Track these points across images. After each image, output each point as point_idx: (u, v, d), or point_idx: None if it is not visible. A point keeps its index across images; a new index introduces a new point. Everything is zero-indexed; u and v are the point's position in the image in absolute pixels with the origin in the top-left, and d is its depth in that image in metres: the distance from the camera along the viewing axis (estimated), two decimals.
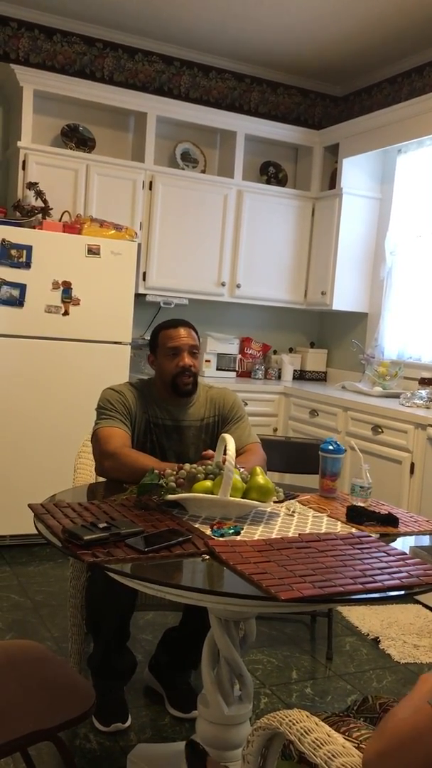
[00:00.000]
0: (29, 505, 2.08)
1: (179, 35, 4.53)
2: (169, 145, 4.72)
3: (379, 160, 4.75)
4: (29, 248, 3.72)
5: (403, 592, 1.53)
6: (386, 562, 1.64)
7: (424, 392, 3.87)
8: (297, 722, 1.22)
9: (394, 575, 1.56)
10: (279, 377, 5.05)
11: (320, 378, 5.21)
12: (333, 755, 1.15)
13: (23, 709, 1.58)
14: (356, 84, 5.07)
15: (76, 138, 4.45)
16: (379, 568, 1.59)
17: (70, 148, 4.37)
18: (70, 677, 1.74)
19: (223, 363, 4.88)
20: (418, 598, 3.45)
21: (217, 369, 4.84)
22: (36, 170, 4.12)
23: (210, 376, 4.75)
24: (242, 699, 1.86)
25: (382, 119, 4.36)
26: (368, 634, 3.12)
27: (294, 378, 5.09)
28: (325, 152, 4.97)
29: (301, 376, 5.17)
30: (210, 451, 2.13)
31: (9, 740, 1.48)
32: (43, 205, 3.98)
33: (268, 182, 4.99)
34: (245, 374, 5.04)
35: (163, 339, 2.38)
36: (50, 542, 1.65)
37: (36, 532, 1.72)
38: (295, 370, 5.12)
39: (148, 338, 2.51)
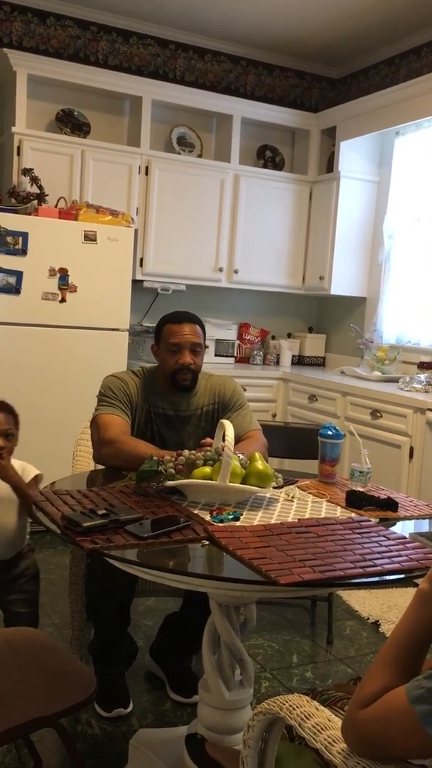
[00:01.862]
0: (25, 495, 2.08)
1: (174, 17, 4.48)
2: (164, 130, 4.68)
3: (377, 143, 4.71)
4: (25, 235, 3.69)
5: (402, 576, 1.53)
6: (386, 546, 1.64)
7: (423, 376, 3.86)
8: (297, 707, 1.22)
9: (394, 559, 1.56)
10: (277, 363, 5.04)
11: (319, 363, 5.20)
12: (334, 740, 1.15)
13: (25, 695, 1.58)
14: (353, 66, 5.02)
15: (71, 123, 4.40)
16: (379, 552, 1.59)
17: (65, 134, 4.34)
18: (71, 664, 1.74)
19: (222, 349, 4.87)
20: (418, 581, 3.45)
21: (216, 355, 4.83)
22: (31, 156, 4.08)
23: (208, 362, 4.70)
24: (243, 683, 1.86)
25: (380, 101, 4.32)
26: (368, 618, 3.14)
27: (292, 363, 5.08)
28: (322, 135, 4.93)
29: (299, 361, 5.16)
30: (208, 439, 2.12)
31: (11, 727, 1.49)
32: (38, 191, 3.95)
33: (264, 166, 4.96)
34: (243, 360, 5.03)
35: (167, 333, 2.36)
36: (49, 529, 1.65)
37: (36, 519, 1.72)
38: (293, 356, 5.10)
39: (147, 325, 2.49)
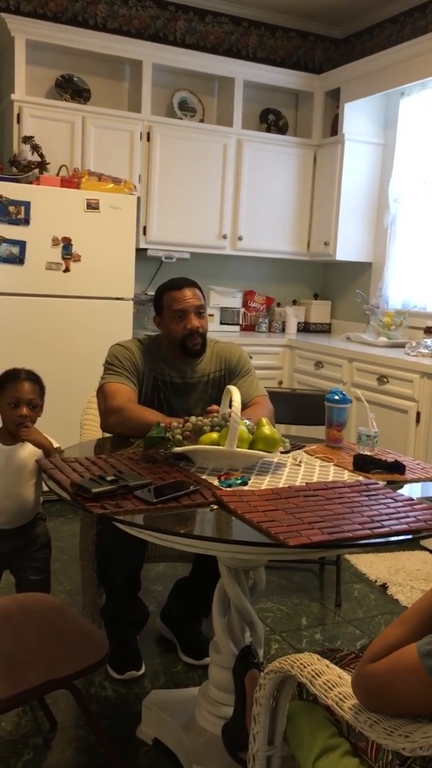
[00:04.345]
0: (37, 461, 2.10)
1: None
2: (166, 94, 4.60)
3: (382, 104, 4.63)
4: (27, 204, 3.66)
5: (410, 536, 1.54)
6: (393, 508, 1.65)
7: (429, 341, 3.84)
8: (308, 665, 1.24)
9: (402, 520, 1.56)
10: (283, 330, 5.02)
11: (325, 330, 5.18)
12: (344, 696, 1.17)
13: (39, 659, 1.61)
14: (357, 25, 4.91)
15: (70, 89, 4.34)
16: (387, 514, 1.59)
17: (65, 100, 4.27)
18: (84, 627, 1.77)
19: (227, 317, 4.85)
20: (425, 544, 3.48)
21: (221, 323, 4.81)
22: (31, 123, 4.03)
23: (213, 330, 4.69)
24: (253, 645, 1.89)
25: (384, 61, 4.23)
26: (376, 581, 3.17)
27: (298, 330, 5.06)
28: (326, 97, 4.85)
29: (305, 328, 5.13)
30: (215, 406, 2.12)
31: (26, 689, 1.52)
32: (39, 159, 3.90)
33: (268, 130, 4.88)
34: (249, 328, 5.01)
35: (168, 301, 2.34)
36: (59, 496, 1.66)
37: (46, 489, 1.73)
38: (299, 323, 5.08)
39: (151, 294, 2.48)
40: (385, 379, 3.74)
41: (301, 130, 4.99)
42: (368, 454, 2.07)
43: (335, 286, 5.23)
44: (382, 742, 1.07)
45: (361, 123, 4.62)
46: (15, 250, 3.66)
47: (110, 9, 4.47)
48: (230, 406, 1.87)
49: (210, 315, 4.73)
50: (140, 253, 4.33)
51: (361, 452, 2.09)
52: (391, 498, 1.72)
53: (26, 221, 3.67)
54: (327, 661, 1.25)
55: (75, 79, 4.36)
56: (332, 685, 1.19)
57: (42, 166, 3.89)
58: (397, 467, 1.97)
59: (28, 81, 4.15)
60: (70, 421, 3.07)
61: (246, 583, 1.86)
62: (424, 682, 1.00)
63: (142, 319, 4.39)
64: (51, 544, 2.30)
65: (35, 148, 3.91)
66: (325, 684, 1.20)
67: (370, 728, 1.09)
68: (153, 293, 2.50)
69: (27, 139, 3.92)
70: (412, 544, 3.49)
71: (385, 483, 1.87)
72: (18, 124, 4.02)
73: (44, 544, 2.27)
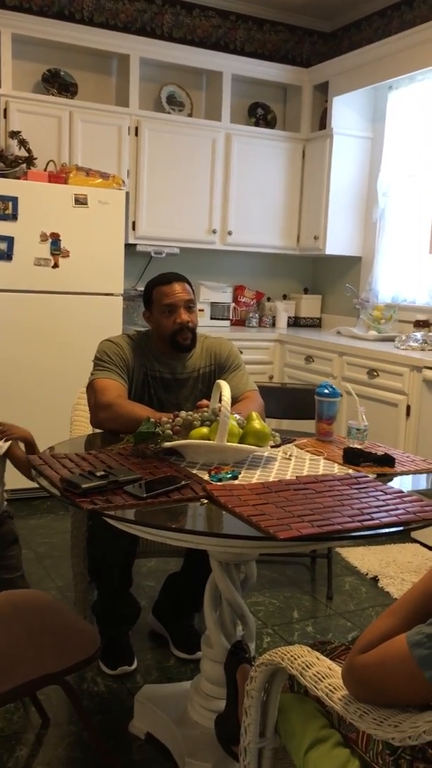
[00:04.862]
0: (27, 457, 2.09)
1: None
2: (154, 89, 4.59)
3: (370, 97, 4.63)
4: (15, 200, 3.64)
5: (400, 528, 1.54)
6: (383, 500, 1.65)
7: (419, 335, 3.85)
8: (298, 657, 1.24)
9: (391, 512, 1.57)
10: (273, 325, 5.02)
11: (315, 324, 5.18)
12: (334, 688, 1.17)
13: (30, 655, 1.61)
14: (345, 18, 4.90)
15: (57, 83, 4.31)
16: (377, 506, 1.60)
17: (52, 94, 4.25)
18: (76, 623, 1.77)
19: (217, 312, 4.85)
20: (416, 536, 3.50)
21: (211, 318, 4.81)
22: (18, 118, 4.01)
23: (204, 325, 4.70)
24: (245, 639, 1.89)
25: (372, 54, 4.23)
26: (367, 574, 3.18)
27: (288, 325, 5.06)
28: (314, 91, 4.84)
29: (295, 322, 5.14)
30: (205, 401, 2.12)
31: (18, 685, 1.52)
32: (27, 154, 3.88)
33: (256, 124, 4.87)
34: (239, 323, 5.01)
35: (158, 295, 2.34)
36: (49, 492, 1.66)
37: (36, 485, 1.72)
38: (289, 317, 5.08)
39: (141, 289, 2.47)
40: (375, 373, 3.75)
41: (289, 124, 4.98)
42: (358, 447, 2.08)
43: (325, 280, 5.24)
44: (371, 732, 1.08)
45: (350, 117, 4.62)
46: (3, 245, 3.64)
47: (97, 3, 4.44)
48: (220, 400, 1.87)
49: (200, 310, 4.72)
50: (129, 248, 4.32)
51: (351, 445, 2.10)
52: (381, 490, 1.72)
53: (14, 217, 3.65)
54: (317, 653, 1.26)
55: (62, 73, 4.34)
56: (322, 677, 1.19)
57: (29, 161, 3.87)
58: (387, 460, 1.97)
59: (15, 75, 4.12)
60: (59, 417, 3.06)
61: (237, 577, 1.86)
62: (413, 672, 1.01)
63: (132, 314, 4.38)
64: (20, 541, 2.30)
65: (22, 143, 3.89)
66: (315, 676, 1.20)
67: (360, 719, 1.09)
68: (142, 289, 2.49)
69: (14, 134, 3.90)
70: (403, 537, 3.50)
71: (375, 476, 1.87)
72: (5, 119, 4.00)
73: (11, 542, 2.27)
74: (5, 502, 2.29)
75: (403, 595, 1.14)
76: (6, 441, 2.18)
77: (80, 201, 3.81)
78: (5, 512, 2.27)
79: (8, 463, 2.25)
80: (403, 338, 3.87)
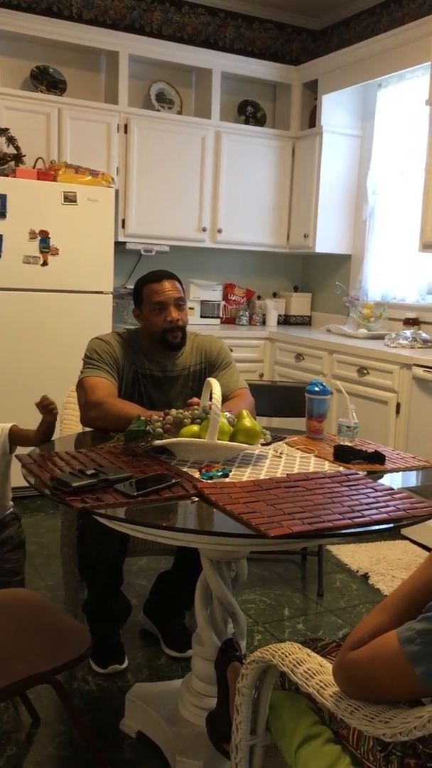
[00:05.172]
0: (17, 457, 2.08)
1: None
2: (143, 86, 4.57)
3: (360, 96, 4.63)
4: (3, 197, 3.62)
5: (391, 525, 1.55)
6: (373, 497, 1.65)
7: (408, 332, 3.87)
8: (289, 654, 1.24)
9: (382, 509, 1.57)
10: (263, 323, 5.02)
11: (305, 322, 5.19)
12: (325, 684, 1.17)
13: (20, 654, 1.60)
14: (334, 16, 4.91)
15: (46, 80, 4.29)
16: (367, 504, 1.60)
17: (41, 91, 4.23)
18: (66, 622, 1.76)
19: (207, 310, 4.84)
20: (406, 533, 3.51)
21: (201, 316, 4.81)
22: (6, 115, 3.99)
23: (194, 323, 4.70)
24: (236, 636, 1.90)
25: (362, 52, 4.24)
26: (358, 571, 3.19)
27: (279, 323, 5.07)
28: (303, 89, 4.84)
29: (285, 320, 5.14)
30: (195, 399, 2.12)
31: (8, 684, 1.51)
32: (15, 151, 3.86)
33: (246, 122, 4.87)
34: (229, 321, 5.01)
35: (148, 293, 2.33)
36: (39, 491, 1.65)
37: (26, 484, 1.71)
38: (279, 315, 5.09)
39: (131, 287, 2.46)
40: (365, 371, 3.76)
41: (279, 121, 4.98)
42: (349, 444, 2.08)
43: (315, 278, 5.24)
44: (362, 728, 1.08)
45: (339, 115, 4.63)
46: None
47: None
48: (211, 398, 1.87)
49: (190, 308, 4.72)
50: (119, 246, 4.31)
51: (341, 443, 2.10)
52: (372, 488, 1.73)
53: (2, 214, 3.63)
54: (308, 650, 1.26)
55: (50, 70, 4.31)
56: (313, 674, 1.19)
57: (18, 158, 3.85)
58: (377, 457, 1.98)
59: (3, 72, 4.10)
60: None
61: (228, 575, 1.86)
62: (403, 668, 1.01)
63: (122, 312, 4.37)
64: (25, 546, 2.26)
65: (11, 140, 3.87)
66: (306, 672, 1.20)
67: (350, 715, 1.10)
68: (132, 287, 2.49)
69: (2, 131, 3.88)
70: (393, 534, 3.51)
71: (365, 473, 1.88)
72: None
73: (16, 545, 2.22)
74: (11, 503, 2.26)
75: (393, 592, 1.14)
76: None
77: (69, 198, 3.79)
78: (11, 513, 2.24)
79: (13, 460, 2.20)
80: (393, 336, 3.88)
